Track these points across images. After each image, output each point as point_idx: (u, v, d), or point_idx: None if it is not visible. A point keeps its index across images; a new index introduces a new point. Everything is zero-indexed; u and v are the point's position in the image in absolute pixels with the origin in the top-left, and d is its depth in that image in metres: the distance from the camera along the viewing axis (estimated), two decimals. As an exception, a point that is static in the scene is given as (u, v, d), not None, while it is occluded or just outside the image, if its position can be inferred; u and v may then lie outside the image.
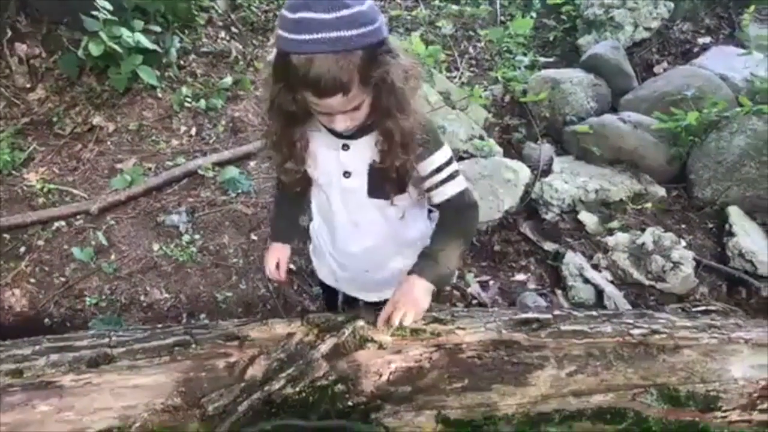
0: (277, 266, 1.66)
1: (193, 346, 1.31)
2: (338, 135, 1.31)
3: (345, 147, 1.34)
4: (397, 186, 1.38)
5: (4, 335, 2.27)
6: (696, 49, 3.59)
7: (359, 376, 1.35)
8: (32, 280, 2.53)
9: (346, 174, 1.38)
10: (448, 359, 1.41)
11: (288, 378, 1.28)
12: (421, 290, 1.40)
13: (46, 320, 2.40)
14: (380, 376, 1.36)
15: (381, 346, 1.39)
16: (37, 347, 1.27)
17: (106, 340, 1.30)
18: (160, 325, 1.43)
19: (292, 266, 2.45)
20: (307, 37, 1.04)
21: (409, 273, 1.43)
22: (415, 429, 1.38)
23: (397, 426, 1.36)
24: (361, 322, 1.40)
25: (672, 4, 3.66)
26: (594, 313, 1.60)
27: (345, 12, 1.04)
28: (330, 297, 1.86)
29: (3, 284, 2.51)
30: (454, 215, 1.46)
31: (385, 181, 1.36)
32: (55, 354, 1.25)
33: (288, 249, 1.69)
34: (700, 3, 3.77)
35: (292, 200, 1.64)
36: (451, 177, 1.41)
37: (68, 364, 1.24)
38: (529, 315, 1.52)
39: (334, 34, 1.04)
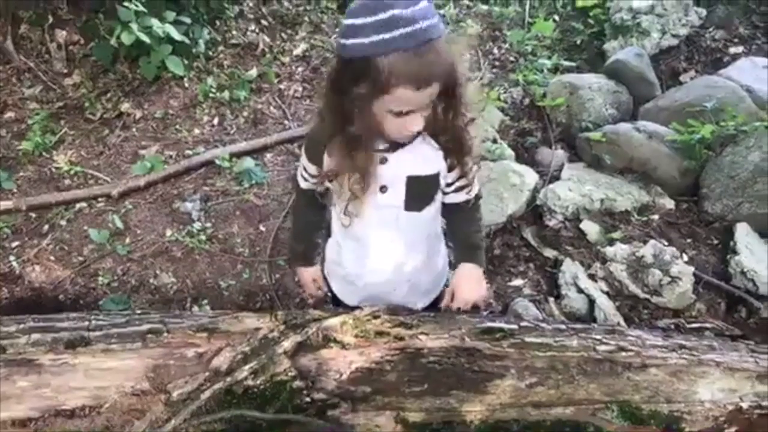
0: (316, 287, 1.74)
1: (165, 334, 1.40)
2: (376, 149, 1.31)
3: (383, 160, 1.33)
4: (433, 191, 1.42)
5: (23, 308, 2.46)
6: (727, 59, 3.48)
7: (320, 373, 1.41)
8: (52, 258, 2.69)
9: (383, 189, 1.37)
10: (409, 363, 1.46)
11: (250, 370, 1.35)
12: (480, 277, 1.56)
13: (62, 296, 2.54)
14: (341, 374, 1.42)
15: (344, 346, 1.44)
16: (22, 326, 1.37)
17: (86, 323, 1.40)
18: (138, 312, 1.52)
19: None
20: (403, 31, 1.06)
21: (461, 262, 1.56)
22: (374, 428, 1.43)
23: (356, 424, 1.42)
24: (326, 322, 1.46)
25: (704, 12, 3.56)
26: (561, 326, 1.61)
27: (422, 4, 1.08)
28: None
29: (26, 260, 2.68)
30: (476, 207, 1.56)
31: (421, 191, 1.39)
32: (37, 333, 1.36)
33: (316, 269, 1.73)
34: (736, 11, 3.65)
35: (314, 212, 1.62)
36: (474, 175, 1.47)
37: (48, 344, 1.34)
38: (494, 324, 1.55)
39: (424, 24, 1.07)
